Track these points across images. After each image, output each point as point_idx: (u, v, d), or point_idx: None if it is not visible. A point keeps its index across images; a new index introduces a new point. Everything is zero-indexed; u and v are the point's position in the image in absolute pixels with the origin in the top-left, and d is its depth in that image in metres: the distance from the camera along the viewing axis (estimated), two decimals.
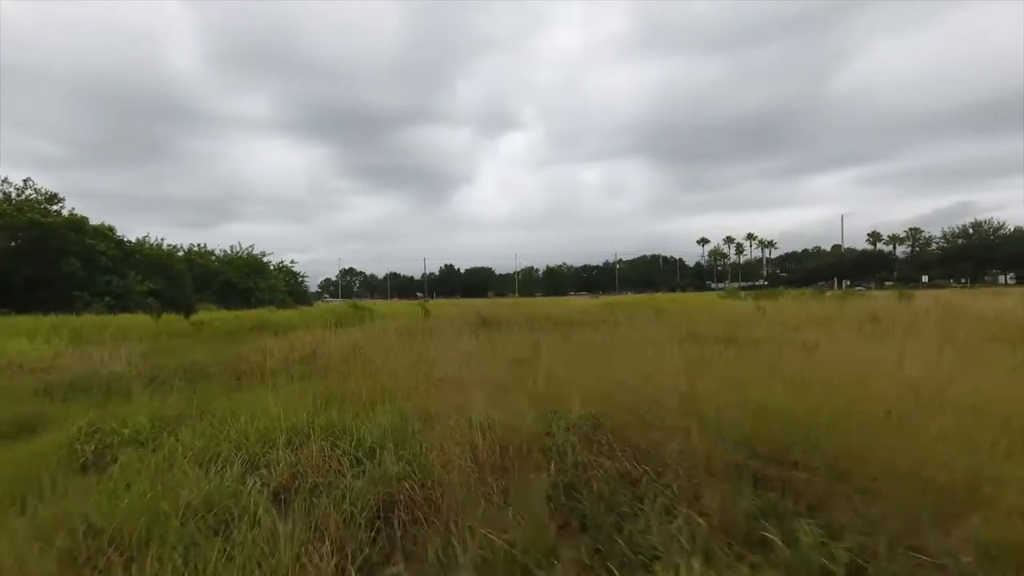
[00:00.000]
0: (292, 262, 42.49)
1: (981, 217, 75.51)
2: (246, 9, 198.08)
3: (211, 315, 21.09)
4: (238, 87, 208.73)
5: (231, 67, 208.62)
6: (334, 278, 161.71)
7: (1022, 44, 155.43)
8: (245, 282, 33.37)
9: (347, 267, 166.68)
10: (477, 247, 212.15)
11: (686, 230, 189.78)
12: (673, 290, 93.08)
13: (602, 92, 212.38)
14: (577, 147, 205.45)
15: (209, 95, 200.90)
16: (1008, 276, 73.70)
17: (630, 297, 32.94)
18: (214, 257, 35.05)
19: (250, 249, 36.41)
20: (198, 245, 35.21)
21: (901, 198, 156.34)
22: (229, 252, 35.68)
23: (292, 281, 41.78)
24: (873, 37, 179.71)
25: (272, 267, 41.05)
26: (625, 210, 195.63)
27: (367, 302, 56.30)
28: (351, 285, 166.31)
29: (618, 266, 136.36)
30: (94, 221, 25.54)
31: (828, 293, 29.45)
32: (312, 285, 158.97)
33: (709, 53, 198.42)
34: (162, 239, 32.07)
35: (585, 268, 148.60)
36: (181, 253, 34.15)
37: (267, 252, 37.72)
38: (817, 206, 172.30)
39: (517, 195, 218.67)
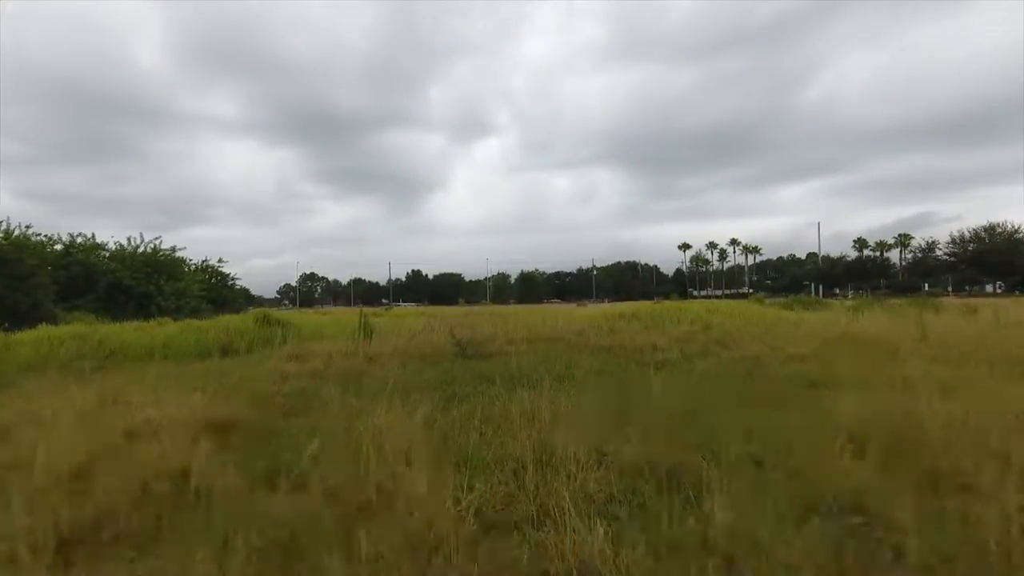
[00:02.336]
0: (220, 261, 34.45)
1: (943, 227, 72.72)
2: (214, 6, 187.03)
3: (35, 334, 13.42)
4: (204, 86, 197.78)
5: (198, 65, 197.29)
6: (295, 283, 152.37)
7: (979, 60, 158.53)
8: (143, 284, 25.32)
9: (308, 272, 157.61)
10: (449, 253, 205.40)
11: (655, 237, 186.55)
12: (651, 297, 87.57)
13: (576, 99, 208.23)
14: (550, 154, 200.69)
15: (174, 93, 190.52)
16: (997, 285, 70.06)
17: (645, 305, 26.24)
18: (106, 252, 26.91)
19: (155, 242, 28.32)
20: (83, 236, 27.00)
21: (865, 208, 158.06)
22: (126, 245, 27.51)
23: (218, 283, 33.77)
24: (840, 50, 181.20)
25: (193, 266, 33.03)
26: (596, 217, 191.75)
27: (318, 311, 48.60)
28: (312, 291, 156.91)
29: (593, 272, 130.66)
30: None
31: (895, 302, 23.50)
32: (270, 291, 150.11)
33: (681, 63, 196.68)
34: (27, 227, 23.94)
35: (558, 275, 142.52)
36: (60, 246, 25.99)
37: (180, 247, 29.65)
38: (783, 215, 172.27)
39: (490, 201, 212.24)
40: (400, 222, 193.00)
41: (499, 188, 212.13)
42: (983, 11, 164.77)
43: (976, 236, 73.12)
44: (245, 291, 51.13)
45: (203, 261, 33.55)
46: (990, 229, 72.09)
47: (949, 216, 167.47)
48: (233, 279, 35.33)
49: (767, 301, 30.32)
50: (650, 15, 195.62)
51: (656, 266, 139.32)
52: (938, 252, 79.20)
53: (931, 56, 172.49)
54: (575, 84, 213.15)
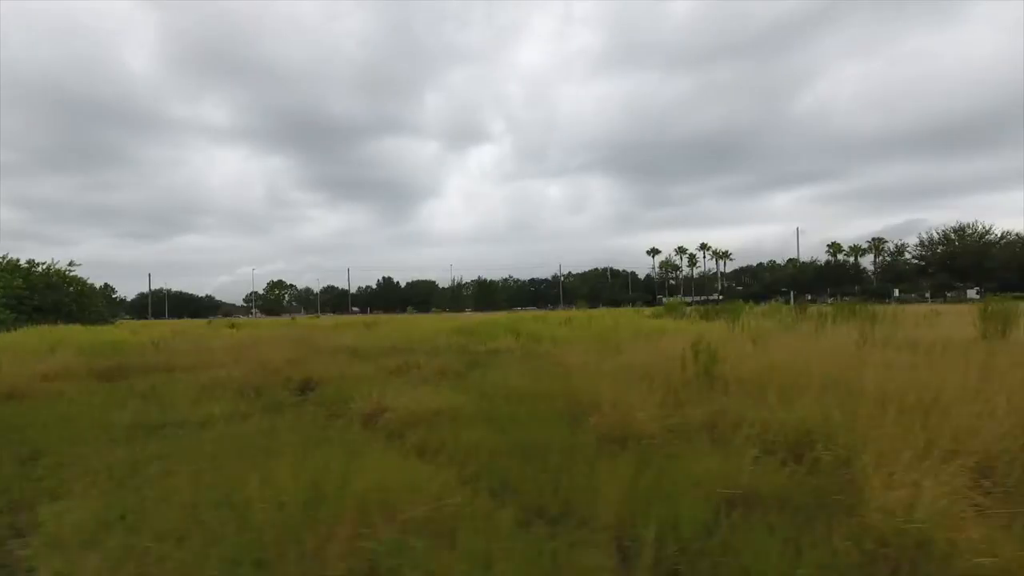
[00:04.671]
0: (72, 264, 29.70)
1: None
2: (206, 10, 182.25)
3: None
4: (195, 93, 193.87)
5: (189, 71, 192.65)
6: (261, 291, 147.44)
7: (970, 70, 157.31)
8: None
9: (276, 280, 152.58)
10: (441, 260, 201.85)
11: (648, 244, 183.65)
12: (619, 304, 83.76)
13: (571, 106, 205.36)
14: (544, 161, 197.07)
15: (165, 100, 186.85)
16: (976, 290, 65.96)
17: (524, 314, 22.21)
18: None
19: None
20: None
21: (854, 215, 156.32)
22: None
23: (76, 290, 29.27)
24: (833, 59, 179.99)
25: (40, 271, 28.61)
26: (588, 225, 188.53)
27: (223, 320, 43.88)
28: (280, 299, 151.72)
29: (563, 279, 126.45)
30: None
31: (820, 308, 19.33)
32: (238, 299, 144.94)
33: (675, 71, 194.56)
34: None
35: (532, 281, 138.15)
36: None
37: None
38: (774, 223, 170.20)
39: (482, 209, 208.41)
40: (392, 230, 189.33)
41: (492, 196, 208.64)
42: (974, 22, 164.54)
43: (945, 238, 67.07)
44: (117, 296, 46.00)
45: (50, 264, 29.13)
46: (959, 230, 65.84)
47: (938, 224, 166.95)
48: (89, 284, 30.83)
49: (688, 310, 26.17)
50: (645, 24, 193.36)
51: (634, 272, 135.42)
52: (907, 255, 74.72)
53: (922, 66, 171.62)
54: (570, 92, 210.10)
